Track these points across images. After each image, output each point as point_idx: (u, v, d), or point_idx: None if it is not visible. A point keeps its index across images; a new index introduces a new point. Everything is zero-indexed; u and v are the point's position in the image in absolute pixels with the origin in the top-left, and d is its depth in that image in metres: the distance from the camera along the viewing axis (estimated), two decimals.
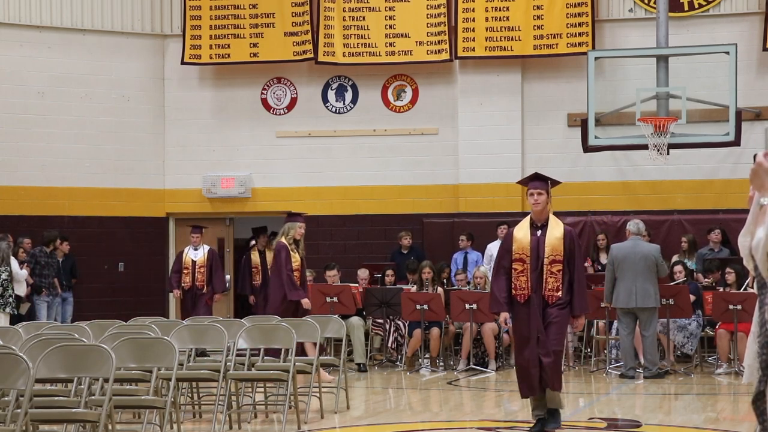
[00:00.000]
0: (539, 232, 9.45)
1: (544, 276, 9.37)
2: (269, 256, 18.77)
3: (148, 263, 18.93)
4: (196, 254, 17.11)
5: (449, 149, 18.38)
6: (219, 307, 18.94)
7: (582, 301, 9.53)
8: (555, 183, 9.68)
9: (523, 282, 9.39)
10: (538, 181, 9.55)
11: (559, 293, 9.37)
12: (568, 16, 17.92)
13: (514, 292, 9.44)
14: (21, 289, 16.02)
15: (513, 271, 9.44)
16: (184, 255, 17.16)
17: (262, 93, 19.03)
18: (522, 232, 9.49)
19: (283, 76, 18.98)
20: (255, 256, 18.87)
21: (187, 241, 19.34)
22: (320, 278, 16.51)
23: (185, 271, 16.97)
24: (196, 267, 16.99)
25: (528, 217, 9.55)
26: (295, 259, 14.03)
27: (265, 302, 18.63)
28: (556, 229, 9.47)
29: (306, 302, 14.04)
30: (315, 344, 11.26)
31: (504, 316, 9.55)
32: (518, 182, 9.57)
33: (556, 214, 17.60)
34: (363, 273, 17.00)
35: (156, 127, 19.03)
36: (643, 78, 16.54)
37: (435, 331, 15.27)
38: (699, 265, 16.52)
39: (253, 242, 19.90)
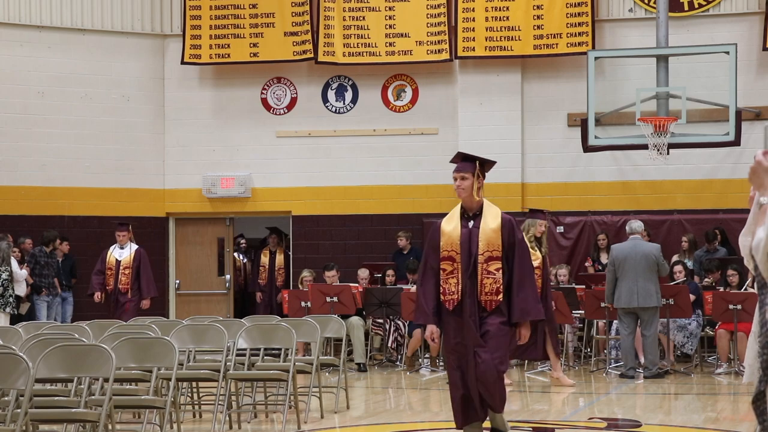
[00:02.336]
0: (471, 224, 7.89)
1: (479, 277, 7.72)
2: (279, 257, 18.87)
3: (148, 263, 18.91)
4: (122, 254, 15.94)
5: (449, 149, 18.30)
6: (219, 308, 18.97)
7: (525, 304, 7.73)
8: (486, 163, 8.07)
9: (453, 285, 7.74)
10: (463, 162, 7.98)
11: (500, 297, 7.73)
12: (568, 16, 17.92)
13: (442, 297, 7.78)
14: (21, 289, 16.03)
15: (441, 272, 7.80)
16: (108, 254, 16.00)
17: (262, 93, 19.02)
18: (451, 224, 7.96)
19: (283, 76, 18.97)
20: (265, 257, 18.94)
21: (187, 241, 19.38)
22: (320, 278, 16.51)
23: (108, 272, 15.86)
24: (120, 268, 15.84)
25: (458, 206, 8.07)
26: (536, 257, 13.32)
27: (269, 301, 18.75)
28: (491, 219, 7.87)
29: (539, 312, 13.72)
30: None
31: (430, 330, 7.91)
32: (451, 161, 8.08)
33: (557, 214, 17.46)
34: (363, 273, 17.01)
35: (156, 127, 19.03)
36: (643, 78, 16.53)
37: None
38: (696, 267, 16.53)
39: (243, 242, 20.00)
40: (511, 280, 7.76)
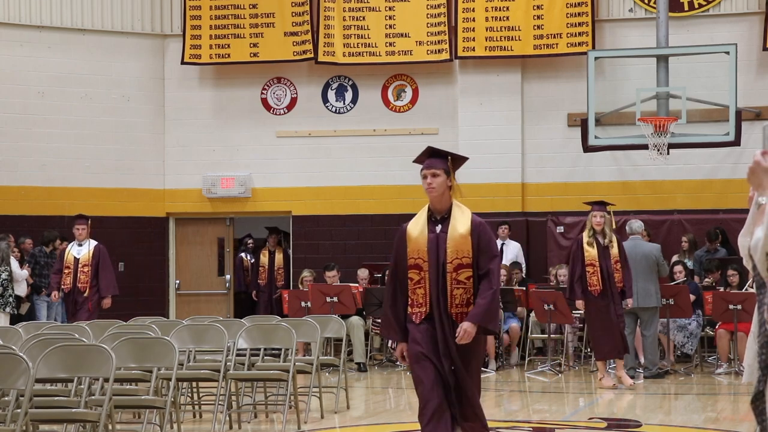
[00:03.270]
0: (439, 228, 7.01)
1: (449, 287, 6.89)
2: (278, 257, 18.88)
3: (148, 263, 18.93)
4: (80, 251, 15.00)
5: (449, 149, 18.24)
6: (219, 308, 18.97)
7: (484, 310, 6.81)
8: (458, 159, 7.23)
9: (421, 296, 6.91)
10: (432, 158, 7.09)
11: (467, 309, 6.87)
12: (568, 16, 17.92)
13: (410, 309, 6.95)
14: (21, 289, 16.03)
15: (408, 281, 6.95)
16: (66, 252, 15.08)
17: (262, 93, 19.02)
18: (417, 228, 7.05)
19: (283, 76, 18.98)
20: (264, 256, 18.95)
21: (187, 241, 19.38)
22: (320, 278, 16.51)
23: (66, 271, 14.89)
24: (79, 266, 14.91)
25: (425, 208, 7.15)
26: (588, 253, 13.25)
27: (269, 301, 18.76)
28: (460, 223, 7.03)
29: (630, 302, 13.40)
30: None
31: (401, 348, 6.98)
32: (414, 161, 7.21)
33: (557, 214, 17.39)
34: (363, 273, 17.01)
35: (156, 127, 19.03)
36: (643, 78, 16.53)
37: None
38: (696, 267, 16.53)
39: (250, 242, 19.99)
40: (482, 286, 6.92)
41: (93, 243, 15.13)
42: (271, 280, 18.79)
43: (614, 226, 13.49)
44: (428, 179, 6.98)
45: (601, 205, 13.45)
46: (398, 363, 15.67)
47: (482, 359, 7.26)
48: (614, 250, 13.21)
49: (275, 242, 18.93)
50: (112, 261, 18.26)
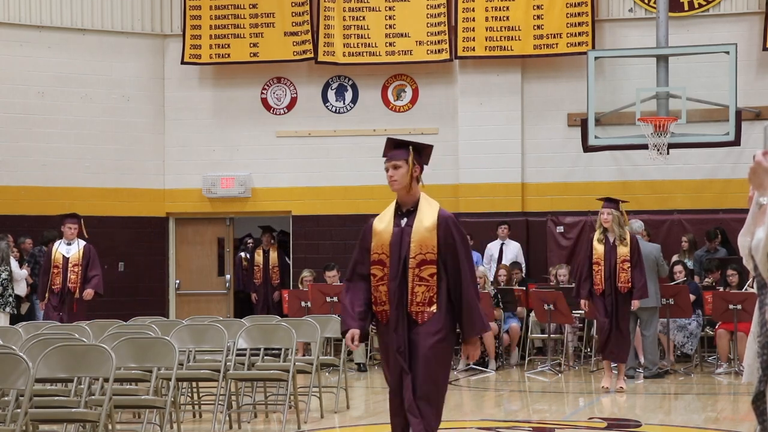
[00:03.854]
0: (404, 221, 6.63)
1: (410, 284, 6.50)
2: (273, 256, 18.87)
3: (148, 263, 18.93)
4: (69, 250, 14.67)
5: (449, 149, 18.37)
6: (219, 308, 18.97)
7: (474, 318, 6.54)
8: (421, 148, 6.78)
9: (384, 293, 6.55)
10: (395, 149, 6.71)
11: (433, 308, 6.49)
12: (568, 15, 17.92)
13: (374, 308, 6.64)
14: (21, 289, 16.02)
15: (372, 278, 6.62)
16: (53, 251, 14.70)
17: (262, 93, 19.02)
18: (383, 222, 6.70)
19: (283, 76, 18.97)
20: (258, 256, 18.93)
21: (187, 241, 19.37)
22: (320, 278, 16.50)
23: (55, 271, 14.53)
24: (69, 265, 14.62)
25: (394, 202, 6.82)
26: (595, 251, 12.98)
27: (265, 300, 18.75)
28: (426, 216, 6.60)
29: (636, 304, 13.09)
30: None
31: (351, 334, 6.60)
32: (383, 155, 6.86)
33: (557, 214, 17.33)
34: None
35: (156, 127, 19.02)
36: (643, 78, 16.53)
37: None
38: (696, 267, 16.53)
39: (250, 241, 19.97)
40: (452, 288, 6.53)
41: (81, 242, 14.82)
42: (267, 279, 18.78)
43: (626, 223, 13.21)
44: (389, 171, 6.65)
45: (610, 202, 13.19)
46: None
47: (448, 362, 6.77)
48: (624, 249, 12.89)
49: (269, 241, 18.90)
50: (112, 261, 18.35)
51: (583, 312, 13.97)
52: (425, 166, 6.83)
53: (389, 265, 6.54)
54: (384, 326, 6.63)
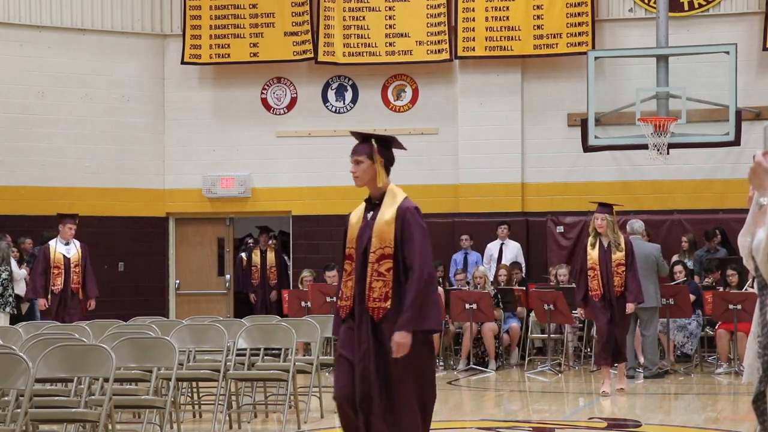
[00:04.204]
0: (370, 215, 6.47)
1: (368, 279, 6.29)
2: (270, 256, 18.85)
3: (148, 263, 18.93)
4: (69, 250, 14.40)
5: (449, 149, 18.38)
6: (219, 308, 18.97)
7: (411, 313, 6.15)
8: (385, 141, 6.58)
9: (349, 288, 6.40)
10: (358, 144, 6.63)
11: (387, 304, 6.24)
12: (568, 15, 17.92)
13: (338, 302, 6.53)
14: (20, 289, 16.02)
15: (344, 273, 6.50)
16: (51, 251, 14.35)
17: (262, 93, 19.02)
18: (356, 216, 6.58)
19: (283, 76, 18.97)
20: (256, 256, 18.91)
21: (187, 241, 19.35)
22: (320, 278, 16.50)
23: (55, 271, 14.23)
24: (71, 266, 14.34)
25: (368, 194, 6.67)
26: (590, 256, 12.67)
27: (264, 301, 18.73)
28: (388, 210, 6.39)
29: (631, 307, 12.79)
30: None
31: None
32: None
33: (557, 214, 17.26)
34: None
35: (156, 127, 19.02)
36: (643, 78, 16.53)
37: None
38: (697, 267, 16.53)
39: (251, 241, 19.95)
40: (405, 281, 6.26)
41: (77, 242, 14.65)
42: (264, 279, 18.75)
43: (616, 229, 12.81)
44: (352, 167, 6.59)
45: (604, 207, 12.82)
46: None
47: (423, 365, 6.30)
48: (618, 254, 12.60)
49: (266, 241, 18.88)
50: (112, 261, 18.39)
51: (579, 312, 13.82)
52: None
53: (355, 260, 6.40)
54: (344, 323, 6.40)
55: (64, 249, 14.38)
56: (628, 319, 13.12)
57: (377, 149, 6.49)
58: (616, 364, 12.96)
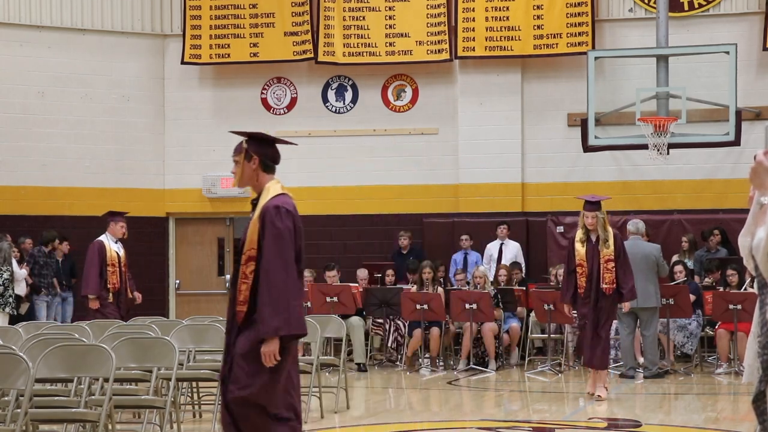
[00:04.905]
0: (253, 215, 6.25)
1: (238, 282, 6.12)
2: None
3: (148, 263, 18.90)
4: (120, 248, 14.16)
5: (449, 149, 18.38)
6: (219, 308, 18.95)
7: (262, 318, 5.95)
8: (259, 139, 6.33)
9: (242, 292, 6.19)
10: (237, 144, 6.33)
11: (245, 308, 6.04)
12: (568, 15, 17.92)
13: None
14: (20, 289, 16.03)
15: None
16: (107, 249, 13.99)
17: (262, 93, 19.03)
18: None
19: (283, 76, 18.98)
20: None
21: (187, 241, 19.34)
22: (320, 278, 16.50)
23: (111, 270, 13.91)
24: (122, 264, 14.07)
25: None
26: (578, 253, 12.18)
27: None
28: (258, 210, 6.19)
29: (627, 306, 12.60)
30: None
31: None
32: None
33: (557, 214, 17.18)
34: (362, 273, 17.00)
35: (156, 127, 19.03)
36: (643, 78, 16.54)
37: (435, 331, 15.27)
38: (697, 267, 16.53)
39: None
40: (259, 283, 6.04)
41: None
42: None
43: (606, 225, 12.24)
44: (232, 168, 6.32)
45: (593, 204, 12.26)
46: (397, 363, 15.69)
47: (281, 370, 6.01)
48: (607, 250, 12.10)
49: None
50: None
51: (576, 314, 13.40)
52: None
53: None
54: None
55: (116, 247, 14.09)
56: (609, 321, 12.46)
57: (253, 148, 6.21)
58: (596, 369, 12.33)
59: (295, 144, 6.40)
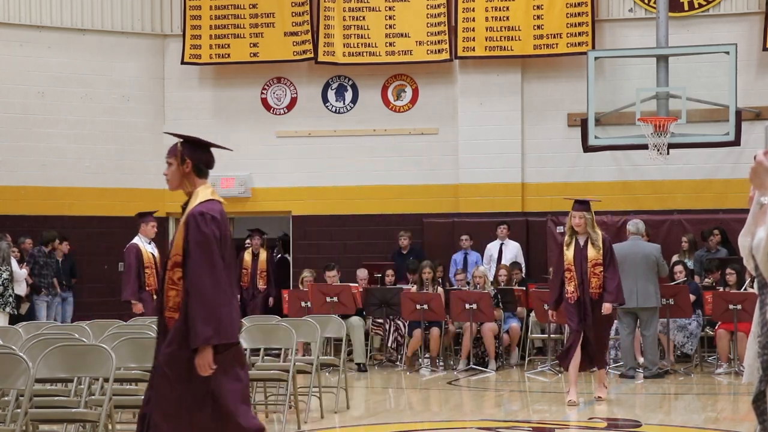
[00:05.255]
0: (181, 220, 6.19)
1: (165, 288, 6.09)
2: (261, 258, 18.57)
3: None
4: (154, 249, 14.01)
5: (449, 149, 18.38)
6: None
7: (192, 324, 5.82)
8: (193, 142, 6.42)
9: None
10: (171, 146, 6.43)
11: (175, 315, 5.96)
12: (568, 15, 17.92)
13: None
14: (20, 289, 16.03)
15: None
16: (142, 250, 13.84)
17: (262, 93, 19.03)
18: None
19: (283, 76, 18.98)
20: (248, 256, 18.80)
21: None
22: (320, 278, 16.50)
23: (148, 271, 13.77)
24: (157, 264, 13.74)
25: None
26: (565, 256, 11.69)
27: (264, 302, 18.63)
28: (186, 215, 6.15)
29: (607, 307, 11.67)
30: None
31: None
32: None
33: (557, 214, 17.27)
34: (362, 273, 16.99)
35: (156, 127, 19.01)
36: (643, 78, 16.54)
37: (435, 331, 15.27)
38: (697, 267, 16.53)
39: (248, 243, 19.87)
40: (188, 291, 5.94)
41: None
42: (254, 283, 18.41)
43: (594, 227, 11.79)
44: (165, 170, 6.35)
45: (581, 204, 11.86)
46: (397, 363, 15.69)
47: (186, 378, 5.88)
48: (594, 253, 11.61)
49: (258, 244, 18.65)
50: (112, 261, 18.35)
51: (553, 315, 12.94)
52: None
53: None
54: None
55: (150, 248, 13.90)
56: (609, 323, 12.19)
57: (185, 151, 6.26)
58: (594, 369, 12.21)
59: (230, 149, 6.37)
